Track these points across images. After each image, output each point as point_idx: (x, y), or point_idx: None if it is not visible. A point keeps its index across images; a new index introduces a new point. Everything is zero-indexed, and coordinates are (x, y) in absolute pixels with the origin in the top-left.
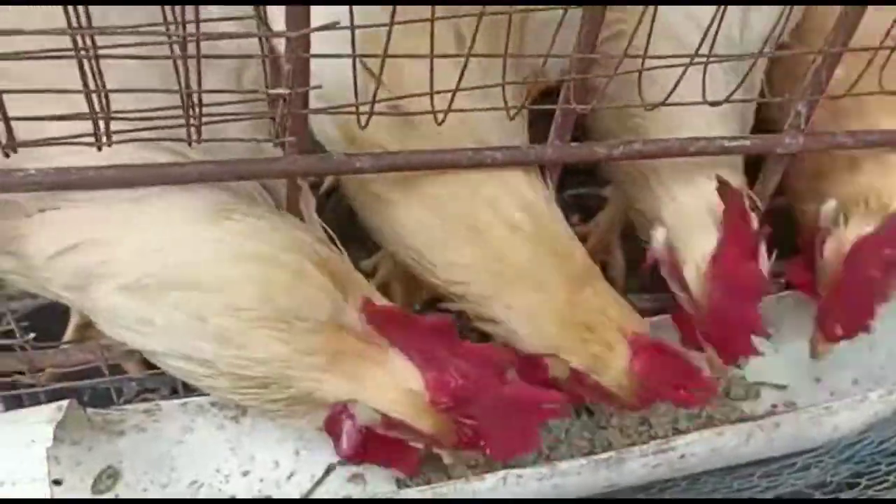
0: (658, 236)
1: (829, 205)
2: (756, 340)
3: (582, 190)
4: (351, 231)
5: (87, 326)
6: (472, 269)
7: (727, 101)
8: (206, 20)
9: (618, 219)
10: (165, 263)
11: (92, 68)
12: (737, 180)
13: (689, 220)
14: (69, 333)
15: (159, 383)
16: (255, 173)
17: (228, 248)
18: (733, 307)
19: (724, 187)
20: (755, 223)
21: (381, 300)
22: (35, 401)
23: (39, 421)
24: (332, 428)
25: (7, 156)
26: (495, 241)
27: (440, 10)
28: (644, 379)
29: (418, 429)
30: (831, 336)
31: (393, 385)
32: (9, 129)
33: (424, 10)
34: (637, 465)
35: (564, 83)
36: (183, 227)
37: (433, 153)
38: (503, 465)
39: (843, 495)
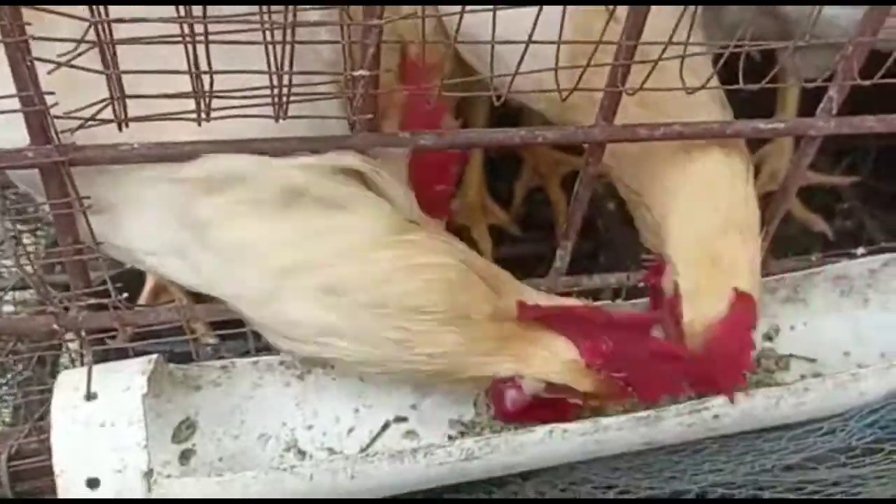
0: (669, 276)
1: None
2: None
3: None
4: None
5: (161, 291)
6: None
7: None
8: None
9: None
10: (355, 284)
11: (196, 52)
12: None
13: (698, 282)
14: (144, 296)
15: (232, 349)
16: (330, 149)
17: (407, 263)
18: (720, 370)
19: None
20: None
21: (529, 294)
22: (122, 356)
23: (134, 371)
24: (494, 391)
25: (120, 129)
26: None
27: None
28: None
29: (579, 390)
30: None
31: (554, 359)
32: (124, 106)
33: None
34: (673, 424)
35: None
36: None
37: (492, 133)
38: None
39: (867, 460)
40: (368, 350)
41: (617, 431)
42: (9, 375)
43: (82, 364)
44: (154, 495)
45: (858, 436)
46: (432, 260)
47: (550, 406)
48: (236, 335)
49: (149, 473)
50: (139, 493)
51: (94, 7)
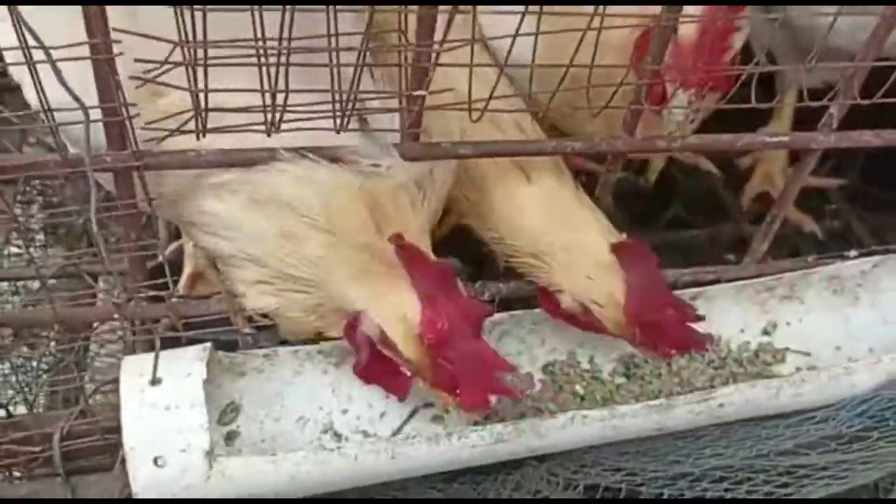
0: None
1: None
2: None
3: None
4: None
5: (197, 279)
6: None
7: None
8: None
9: None
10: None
11: (269, 73)
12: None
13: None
14: (182, 285)
15: (268, 339)
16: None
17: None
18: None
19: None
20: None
21: (419, 240)
22: (174, 345)
23: (192, 358)
24: (351, 341)
25: (198, 138)
26: None
27: None
28: None
29: (403, 354)
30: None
31: (393, 307)
32: (205, 119)
33: None
34: (683, 412)
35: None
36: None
37: (526, 143)
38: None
39: (855, 446)
40: (256, 246)
41: (632, 419)
42: (46, 362)
43: (133, 351)
44: (213, 473)
45: (848, 424)
46: (322, 177)
47: (391, 373)
48: (270, 326)
49: (210, 452)
50: (201, 470)
51: (183, 29)
